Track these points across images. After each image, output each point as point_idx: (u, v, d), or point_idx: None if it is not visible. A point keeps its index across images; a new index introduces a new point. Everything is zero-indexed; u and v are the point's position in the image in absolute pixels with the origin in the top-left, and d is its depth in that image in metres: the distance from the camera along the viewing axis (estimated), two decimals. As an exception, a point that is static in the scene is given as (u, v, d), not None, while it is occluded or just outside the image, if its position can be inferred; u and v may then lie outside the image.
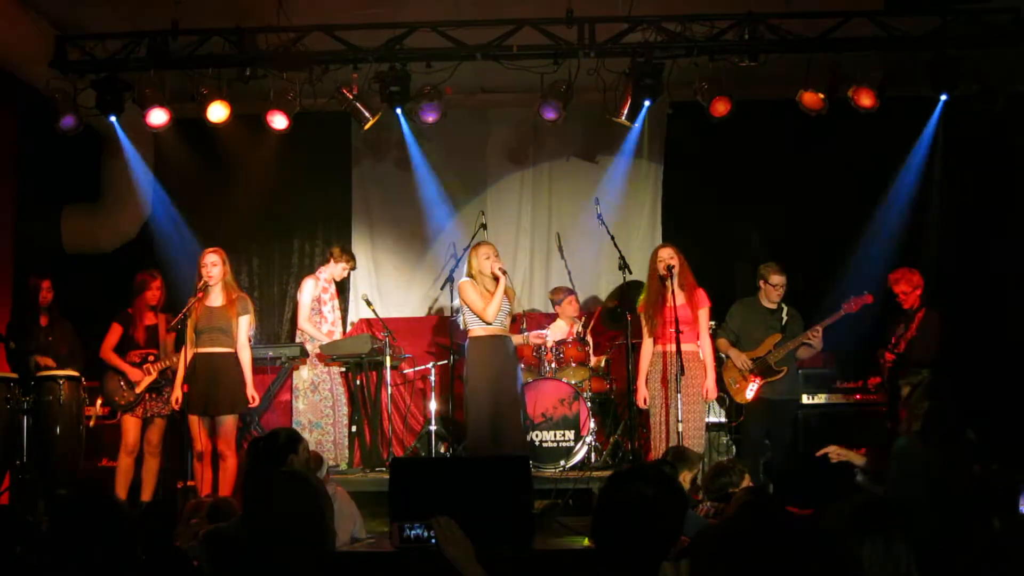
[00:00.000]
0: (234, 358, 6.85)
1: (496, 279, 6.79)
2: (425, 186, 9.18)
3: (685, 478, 5.36)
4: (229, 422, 6.79)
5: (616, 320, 8.39)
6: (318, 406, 7.97)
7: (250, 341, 7.03)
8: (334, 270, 8.25)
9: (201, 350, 6.77)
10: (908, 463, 4.48)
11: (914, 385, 5.24)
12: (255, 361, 7.20)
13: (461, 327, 7.11)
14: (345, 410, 8.08)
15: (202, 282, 6.79)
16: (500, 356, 6.82)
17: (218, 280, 6.88)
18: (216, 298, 6.89)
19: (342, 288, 8.82)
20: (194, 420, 6.73)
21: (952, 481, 4.32)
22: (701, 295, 6.91)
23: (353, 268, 8.45)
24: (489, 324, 6.77)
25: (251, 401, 6.90)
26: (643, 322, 6.94)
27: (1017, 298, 8.44)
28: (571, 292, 8.39)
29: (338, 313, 8.34)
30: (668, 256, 6.82)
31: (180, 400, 6.75)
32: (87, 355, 7.42)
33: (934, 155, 8.39)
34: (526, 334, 8.17)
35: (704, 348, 6.86)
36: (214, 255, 6.89)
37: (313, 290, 8.12)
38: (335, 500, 5.32)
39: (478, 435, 6.79)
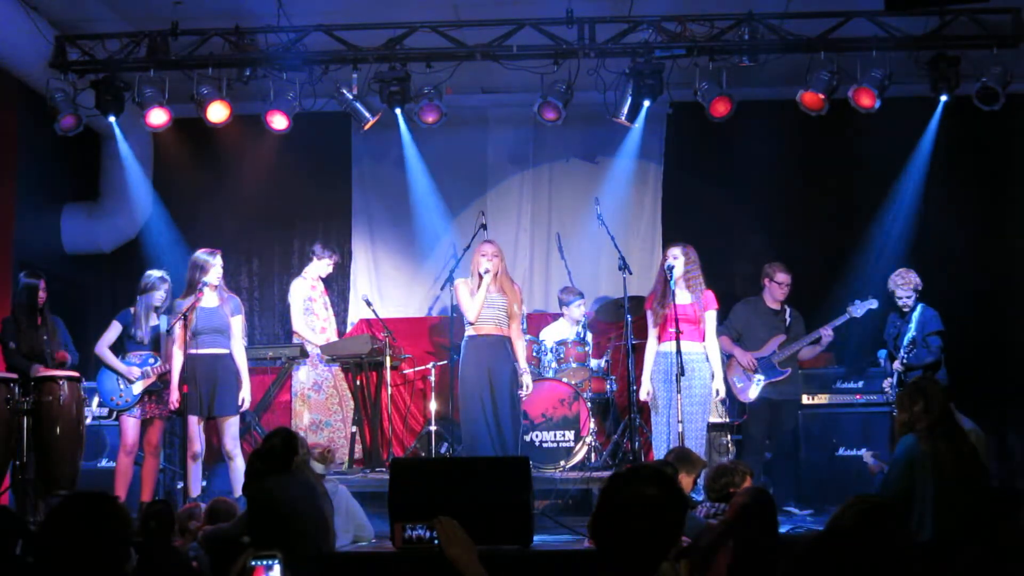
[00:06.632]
0: (232, 358, 6.88)
1: (481, 278, 6.83)
2: (425, 186, 9.17)
3: (686, 480, 5.35)
4: (233, 422, 6.82)
5: (612, 317, 8.38)
6: (324, 404, 8.00)
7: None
8: (319, 267, 8.27)
9: (201, 351, 6.78)
10: (916, 461, 4.47)
11: (908, 385, 5.23)
12: (255, 361, 7.18)
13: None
14: (351, 404, 8.10)
15: (201, 282, 6.80)
16: (486, 356, 6.84)
17: (218, 281, 6.93)
18: (212, 299, 6.92)
19: (340, 288, 8.83)
20: (193, 421, 6.73)
21: (963, 478, 4.32)
22: (709, 297, 6.89)
23: (338, 262, 8.49)
24: (472, 323, 6.87)
25: (242, 404, 6.90)
26: (649, 316, 6.93)
27: (1018, 298, 8.44)
28: (581, 296, 8.33)
29: (331, 310, 8.37)
30: (671, 255, 6.85)
31: (180, 401, 6.75)
32: (81, 355, 7.38)
33: (934, 155, 8.39)
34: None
35: (710, 350, 6.83)
36: (220, 256, 6.96)
37: (302, 290, 8.17)
38: (336, 500, 5.32)
39: (469, 435, 6.83)
